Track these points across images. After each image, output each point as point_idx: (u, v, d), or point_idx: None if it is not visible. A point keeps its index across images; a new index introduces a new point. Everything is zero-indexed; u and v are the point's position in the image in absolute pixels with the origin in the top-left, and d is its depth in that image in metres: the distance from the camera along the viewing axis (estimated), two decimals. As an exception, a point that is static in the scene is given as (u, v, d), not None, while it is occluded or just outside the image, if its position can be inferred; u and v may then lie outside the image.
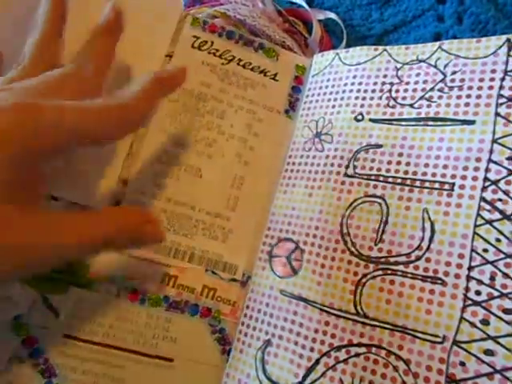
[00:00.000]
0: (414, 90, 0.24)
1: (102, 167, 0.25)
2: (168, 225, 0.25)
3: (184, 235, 0.25)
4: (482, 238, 0.20)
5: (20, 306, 0.23)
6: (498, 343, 0.18)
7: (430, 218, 0.21)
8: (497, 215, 0.20)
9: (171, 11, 0.28)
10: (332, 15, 0.32)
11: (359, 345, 0.21)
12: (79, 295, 0.24)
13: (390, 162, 0.23)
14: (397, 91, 0.25)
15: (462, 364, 0.19)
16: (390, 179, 0.23)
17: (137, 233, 0.19)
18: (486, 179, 0.21)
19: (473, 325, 0.19)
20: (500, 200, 0.20)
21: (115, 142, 0.24)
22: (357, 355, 0.21)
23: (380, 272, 0.22)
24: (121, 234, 0.19)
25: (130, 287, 0.24)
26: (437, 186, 0.22)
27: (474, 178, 0.21)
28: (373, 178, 0.24)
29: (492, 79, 0.22)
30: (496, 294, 0.19)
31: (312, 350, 0.22)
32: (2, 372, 0.22)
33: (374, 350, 0.21)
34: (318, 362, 0.22)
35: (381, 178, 0.23)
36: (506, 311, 0.19)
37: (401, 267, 0.21)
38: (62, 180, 0.25)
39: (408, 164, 0.23)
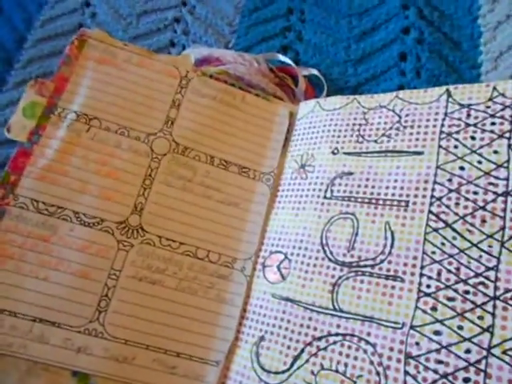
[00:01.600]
0: (377, 129, 0.30)
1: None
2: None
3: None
4: (430, 242, 0.25)
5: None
6: (444, 325, 0.23)
7: (390, 229, 0.27)
8: (441, 224, 0.25)
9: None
10: (315, 71, 0.39)
11: (336, 334, 0.26)
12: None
13: (359, 186, 0.29)
14: (364, 130, 0.31)
15: (417, 344, 0.23)
16: (360, 199, 0.29)
17: None
18: (432, 197, 0.26)
19: (424, 312, 0.24)
20: (443, 212, 0.25)
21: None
22: (334, 343, 0.25)
23: (352, 274, 0.27)
24: None
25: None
26: (395, 203, 0.27)
27: (423, 196, 0.26)
28: (346, 199, 0.29)
29: (435, 119, 0.28)
30: (442, 286, 0.24)
31: (297, 341, 0.26)
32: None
33: (347, 337, 0.25)
34: (302, 351, 0.26)
35: (352, 199, 0.29)
36: (450, 299, 0.23)
37: (368, 269, 0.26)
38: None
39: (373, 187, 0.28)
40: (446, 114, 0.28)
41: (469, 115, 0.27)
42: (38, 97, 0.29)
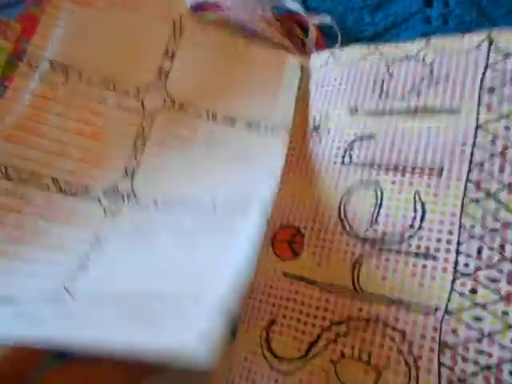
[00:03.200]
0: (404, 84, 0.26)
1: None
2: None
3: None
4: (469, 215, 0.22)
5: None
6: (486, 310, 0.20)
7: (421, 200, 0.23)
8: (482, 194, 0.22)
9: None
10: (327, 19, 0.34)
11: (358, 319, 0.23)
12: None
13: (383, 151, 0.25)
14: (388, 86, 0.27)
15: (454, 331, 0.20)
16: (384, 166, 0.25)
17: None
18: (471, 162, 0.22)
19: (462, 295, 0.21)
20: (485, 180, 0.22)
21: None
22: (356, 328, 0.22)
23: (376, 251, 0.23)
24: None
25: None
26: (426, 170, 0.23)
27: (461, 162, 0.23)
28: (367, 165, 0.25)
29: (475, 71, 0.24)
30: (483, 265, 0.21)
31: (314, 325, 0.24)
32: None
33: (371, 323, 0.22)
34: (319, 337, 0.23)
35: (375, 166, 0.25)
36: (493, 280, 0.20)
37: (395, 246, 0.23)
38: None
39: (400, 152, 0.25)
40: (487, 65, 0.24)
41: (515, 66, 0.23)
42: (0, 40, 0.24)
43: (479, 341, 0.19)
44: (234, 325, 0.26)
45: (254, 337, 0.25)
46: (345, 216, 0.25)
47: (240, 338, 0.26)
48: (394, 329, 0.22)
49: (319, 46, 0.34)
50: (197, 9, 0.34)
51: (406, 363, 0.21)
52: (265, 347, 0.25)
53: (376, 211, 0.24)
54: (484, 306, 0.20)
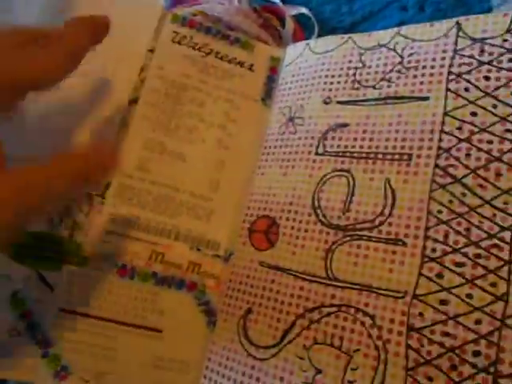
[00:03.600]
0: (376, 73, 0.26)
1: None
2: (154, 206, 0.27)
3: (170, 215, 0.27)
4: (436, 201, 0.22)
5: (16, 282, 0.25)
6: (451, 293, 0.20)
7: (391, 187, 0.23)
8: (449, 179, 0.22)
9: (152, 9, 0.30)
10: (304, 10, 0.34)
11: (330, 305, 0.23)
12: (73, 271, 0.26)
13: (355, 139, 0.25)
14: (360, 74, 0.27)
15: (421, 314, 0.21)
16: (356, 154, 0.25)
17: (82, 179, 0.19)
18: (439, 148, 0.23)
19: (429, 279, 0.21)
20: (452, 166, 0.22)
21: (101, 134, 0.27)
22: (328, 315, 0.23)
23: (348, 238, 0.24)
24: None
25: (120, 264, 0.26)
26: (397, 157, 0.24)
27: (429, 148, 0.23)
28: (340, 154, 0.26)
29: (443, 58, 0.24)
30: (449, 249, 0.21)
31: (288, 313, 0.24)
32: (1, 345, 0.24)
33: (343, 308, 0.23)
34: (293, 323, 0.24)
35: (347, 154, 0.25)
36: (458, 264, 0.20)
37: (366, 232, 0.23)
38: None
39: (371, 139, 0.25)
40: (455, 52, 0.24)
41: (482, 51, 0.23)
42: None
43: (445, 323, 0.20)
44: (212, 315, 0.26)
45: (231, 325, 0.26)
46: (318, 205, 0.25)
47: (218, 328, 0.26)
48: (364, 314, 0.22)
49: (297, 38, 0.34)
50: (175, 3, 0.35)
51: (376, 347, 0.21)
52: (242, 335, 0.25)
53: (348, 199, 0.24)
54: (449, 290, 0.20)
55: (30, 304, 0.25)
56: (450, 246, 0.21)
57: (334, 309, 0.23)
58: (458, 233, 0.21)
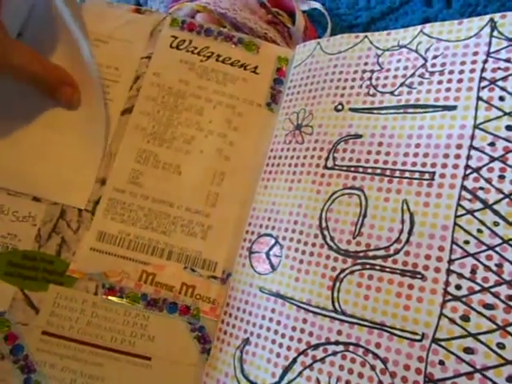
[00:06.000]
0: (395, 77, 0.23)
1: (79, 167, 0.25)
2: (146, 222, 0.25)
3: (162, 232, 0.25)
4: (462, 229, 0.19)
5: (2, 304, 0.23)
6: (479, 340, 0.17)
7: (409, 210, 0.20)
8: (478, 205, 0.19)
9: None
10: (317, 5, 0.31)
11: (337, 343, 0.20)
12: (58, 292, 0.24)
13: (369, 152, 0.23)
14: (377, 79, 0.24)
15: (441, 363, 0.18)
16: (370, 170, 0.22)
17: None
18: (467, 167, 0.20)
19: (452, 321, 0.18)
20: (482, 189, 0.19)
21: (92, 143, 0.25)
22: (334, 354, 0.20)
23: (358, 267, 0.21)
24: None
25: (107, 284, 0.24)
26: (417, 175, 0.21)
27: (455, 166, 0.20)
28: (352, 169, 0.23)
29: (474, 62, 0.21)
30: (477, 288, 0.18)
31: (289, 348, 0.21)
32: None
33: (351, 348, 0.20)
34: (295, 360, 0.21)
35: (360, 169, 0.23)
36: (487, 306, 0.17)
37: (379, 261, 0.20)
38: (41, 179, 0.25)
39: (388, 154, 0.22)
40: (488, 54, 0.21)
41: (521, 54, 0.20)
42: None
43: (470, 376, 0.17)
44: (207, 342, 0.24)
45: (227, 357, 0.23)
46: (326, 226, 0.22)
47: (213, 358, 0.24)
48: (375, 356, 0.19)
49: (309, 36, 0.31)
50: (177, -2, 0.32)
51: (387, 397, 0.18)
52: (238, 368, 0.23)
53: (360, 221, 0.22)
54: (476, 336, 0.17)
55: (15, 326, 0.23)
56: (478, 284, 0.18)
57: (340, 347, 0.20)
58: (487, 268, 0.18)
